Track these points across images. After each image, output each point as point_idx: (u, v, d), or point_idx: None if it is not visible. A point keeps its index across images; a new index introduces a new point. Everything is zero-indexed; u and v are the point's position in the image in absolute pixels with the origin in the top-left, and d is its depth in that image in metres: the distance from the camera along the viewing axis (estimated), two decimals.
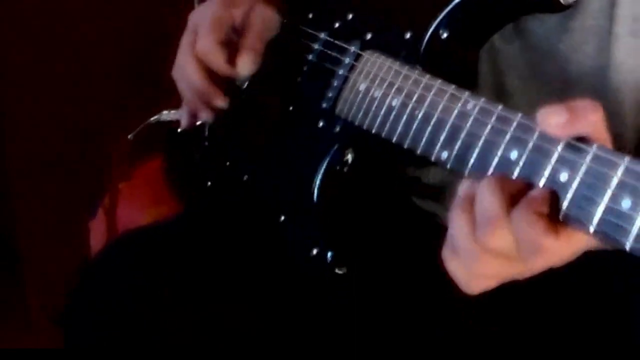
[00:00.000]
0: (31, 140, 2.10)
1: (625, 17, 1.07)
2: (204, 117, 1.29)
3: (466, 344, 1.17)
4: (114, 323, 1.18)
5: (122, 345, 1.17)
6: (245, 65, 1.22)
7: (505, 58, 1.16)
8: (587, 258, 1.16)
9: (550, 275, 1.17)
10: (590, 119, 0.83)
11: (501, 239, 0.85)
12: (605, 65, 1.08)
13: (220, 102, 1.25)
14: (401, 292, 1.19)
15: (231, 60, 1.22)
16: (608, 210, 0.79)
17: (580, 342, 1.13)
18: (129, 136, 1.41)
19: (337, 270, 1.10)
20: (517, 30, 1.13)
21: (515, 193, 0.85)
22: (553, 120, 0.84)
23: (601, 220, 0.80)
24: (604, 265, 1.17)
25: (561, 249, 0.84)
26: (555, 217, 0.84)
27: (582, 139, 0.83)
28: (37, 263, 2.12)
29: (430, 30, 1.07)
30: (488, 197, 0.85)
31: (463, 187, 0.90)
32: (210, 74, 1.24)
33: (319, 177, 1.12)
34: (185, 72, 1.25)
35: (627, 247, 0.78)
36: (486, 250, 0.86)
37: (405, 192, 1.20)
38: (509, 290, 1.16)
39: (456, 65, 1.08)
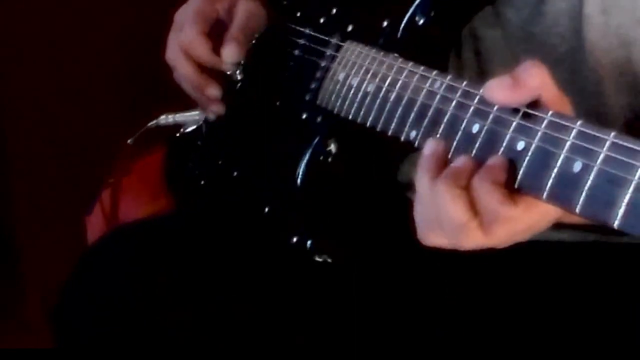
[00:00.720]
0: (31, 141, 2.12)
1: None
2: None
3: (458, 340, 1.16)
4: (107, 318, 1.19)
5: (114, 341, 1.18)
6: (229, 54, 1.24)
7: (487, 45, 1.16)
8: (586, 258, 1.16)
9: (550, 275, 1.17)
10: (535, 80, 0.84)
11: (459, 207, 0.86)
12: (579, 46, 1.08)
13: (214, 91, 1.27)
14: (387, 281, 1.19)
15: (216, 51, 1.24)
16: (559, 174, 0.79)
17: (580, 342, 1.12)
18: (129, 141, 1.43)
19: (316, 258, 1.10)
20: (496, 17, 1.14)
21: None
22: (497, 89, 0.85)
23: (552, 185, 0.79)
24: (604, 265, 1.16)
25: (522, 217, 0.84)
26: (512, 185, 0.84)
27: (537, 106, 0.84)
28: (36, 263, 2.14)
29: (407, 17, 1.08)
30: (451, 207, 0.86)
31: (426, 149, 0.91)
32: (200, 66, 1.26)
33: (302, 167, 1.13)
34: (177, 67, 1.27)
35: (577, 210, 0.77)
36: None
37: (392, 183, 1.20)
38: (508, 289, 1.17)
39: (434, 51, 1.08)
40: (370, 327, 1.16)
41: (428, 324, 1.16)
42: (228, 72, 1.26)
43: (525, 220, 0.85)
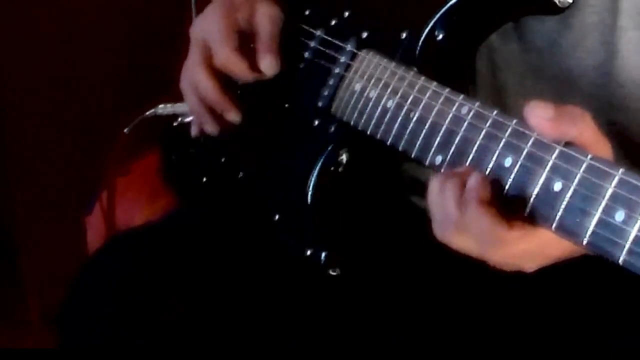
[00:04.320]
0: (31, 141, 2.10)
1: (629, 10, 1.05)
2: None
3: (463, 345, 1.16)
4: (109, 323, 1.18)
5: (116, 346, 1.17)
6: (269, 67, 1.20)
7: (503, 57, 1.15)
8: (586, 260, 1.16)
9: (550, 277, 1.18)
10: (577, 124, 0.83)
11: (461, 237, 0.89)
12: (609, 59, 1.07)
13: (235, 116, 1.23)
14: (399, 291, 1.19)
15: (251, 65, 1.21)
16: (601, 222, 0.78)
17: (580, 342, 1.13)
18: (125, 130, 1.40)
19: (330, 272, 1.09)
20: (516, 29, 1.12)
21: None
22: (540, 113, 0.84)
23: (594, 232, 0.79)
24: (604, 267, 1.17)
25: (519, 241, 0.86)
26: (502, 208, 0.86)
27: (575, 148, 0.83)
28: (36, 263, 2.12)
29: (426, 31, 1.06)
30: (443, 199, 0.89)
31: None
32: (225, 89, 1.22)
33: (313, 177, 1.11)
34: (200, 87, 1.23)
35: (620, 260, 0.77)
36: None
37: (403, 192, 1.19)
38: (516, 301, 1.17)
39: (452, 66, 1.07)
40: (377, 335, 1.17)
41: (437, 334, 1.17)
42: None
43: (521, 245, 0.86)
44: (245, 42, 1.22)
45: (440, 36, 1.06)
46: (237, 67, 1.20)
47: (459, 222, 0.87)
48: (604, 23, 1.07)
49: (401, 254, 1.19)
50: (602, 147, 0.84)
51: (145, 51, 1.31)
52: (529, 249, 0.87)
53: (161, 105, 1.39)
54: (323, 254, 1.09)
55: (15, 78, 2.07)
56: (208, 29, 1.22)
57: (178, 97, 1.36)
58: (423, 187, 1.19)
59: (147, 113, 1.39)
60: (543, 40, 1.11)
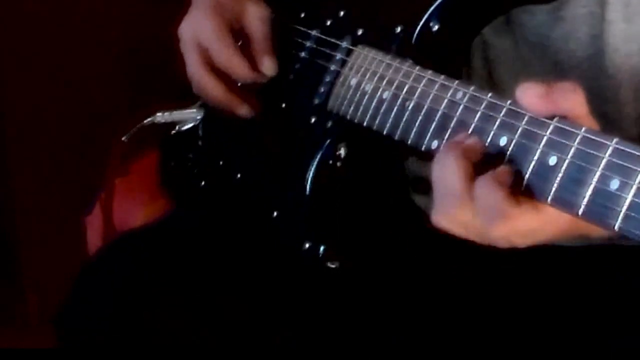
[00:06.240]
0: (31, 141, 2.10)
1: (616, 3, 1.07)
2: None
3: (463, 342, 1.16)
4: (109, 324, 1.18)
5: (116, 347, 1.17)
6: (269, 68, 1.21)
7: (496, 52, 1.16)
8: (586, 257, 1.17)
9: (550, 277, 1.18)
10: (569, 97, 0.84)
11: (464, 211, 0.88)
12: (599, 51, 1.08)
13: (245, 111, 1.24)
14: (397, 287, 1.19)
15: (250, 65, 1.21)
16: (596, 191, 0.79)
17: (580, 342, 1.12)
18: (123, 138, 1.41)
19: (329, 264, 1.10)
20: (508, 23, 1.13)
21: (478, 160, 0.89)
22: (530, 92, 0.85)
23: (589, 201, 0.80)
24: (609, 268, 1.17)
25: (524, 218, 0.85)
26: (517, 189, 0.85)
27: (568, 122, 0.84)
28: (36, 263, 2.12)
29: (421, 22, 1.08)
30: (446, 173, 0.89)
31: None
32: (230, 87, 1.23)
33: (312, 171, 1.12)
34: (207, 91, 1.24)
35: (616, 227, 0.77)
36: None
37: (402, 187, 1.20)
38: (515, 294, 1.17)
39: (447, 57, 1.08)
40: (376, 331, 1.17)
41: (436, 330, 1.17)
42: None
43: (526, 221, 0.86)
44: (237, 42, 1.22)
45: (436, 27, 1.07)
46: (240, 68, 1.21)
47: (463, 195, 0.87)
48: (593, 16, 1.08)
49: (400, 248, 1.19)
50: (593, 122, 0.85)
51: (146, 53, 1.32)
52: (531, 226, 0.87)
53: (159, 114, 1.40)
54: (321, 247, 1.10)
55: (15, 79, 2.08)
56: (201, 30, 1.22)
57: (176, 103, 1.38)
58: (427, 185, 1.21)
59: (145, 121, 1.40)
60: (535, 34, 1.12)
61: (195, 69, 1.23)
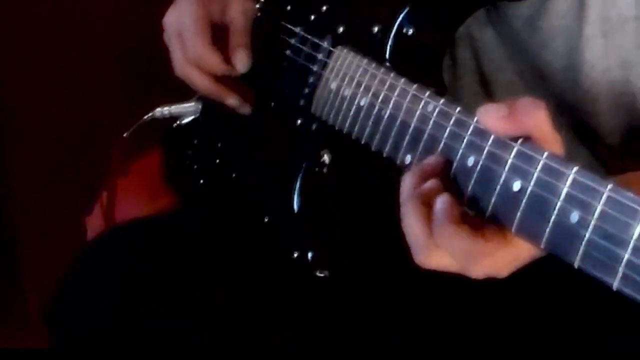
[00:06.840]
0: (31, 141, 2.11)
1: (595, 19, 1.03)
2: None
3: (460, 347, 1.15)
4: (102, 317, 1.17)
5: (109, 341, 1.17)
6: (242, 63, 1.20)
7: (482, 44, 1.13)
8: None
9: (550, 277, 1.16)
10: (532, 115, 0.81)
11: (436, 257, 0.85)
12: (575, 65, 1.05)
13: (232, 100, 1.23)
14: (397, 287, 1.18)
15: (224, 58, 1.20)
16: (556, 224, 0.76)
17: (580, 342, 1.11)
18: (125, 135, 1.40)
19: (318, 273, 1.09)
20: (490, 18, 1.10)
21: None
22: (491, 116, 0.82)
23: (550, 234, 0.77)
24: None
25: (497, 251, 0.83)
26: (478, 221, 0.83)
27: (531, 145, 0.81)
28: (36, 263, 2.15)
29: (395, 27, 1.04)
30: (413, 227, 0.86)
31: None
32: (217, 77, 1.22)
33: (298, 181, 1.11)
34: (192, 82, 1.23)
35: (575, 265, 0.75)
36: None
37: (389, 193, 1.18)
38: (506, 301, 1.15)
39: (425, 59, 1.05)
40: (376, 331, 1.16)
41: (426, 338, 1.15)
42: None
43: (503, 256, 0.83)
44: (219, 35, 1.21)
45: (410, 31, 1.04)
46: (210, 61, 1.20)
47: (429, 244, 0.84)
48: (570, 30, 1.05)
49: (390, 255, 1.17)
50: (558, 139, 0.82)
51: (146, 53, 1.31)
52: (508, 258, 0.84)
53: (158, 109, 1.39)
54: (310, 255, 1.09)
55: (15, 79, 2.08)
56: (182, 21, 1.21)
57: (177, 98, 1.37)
58: None
59: (146, 117, 1.39)
60: (515, 35, 1.09)
61: (178, 60, 1.23)
